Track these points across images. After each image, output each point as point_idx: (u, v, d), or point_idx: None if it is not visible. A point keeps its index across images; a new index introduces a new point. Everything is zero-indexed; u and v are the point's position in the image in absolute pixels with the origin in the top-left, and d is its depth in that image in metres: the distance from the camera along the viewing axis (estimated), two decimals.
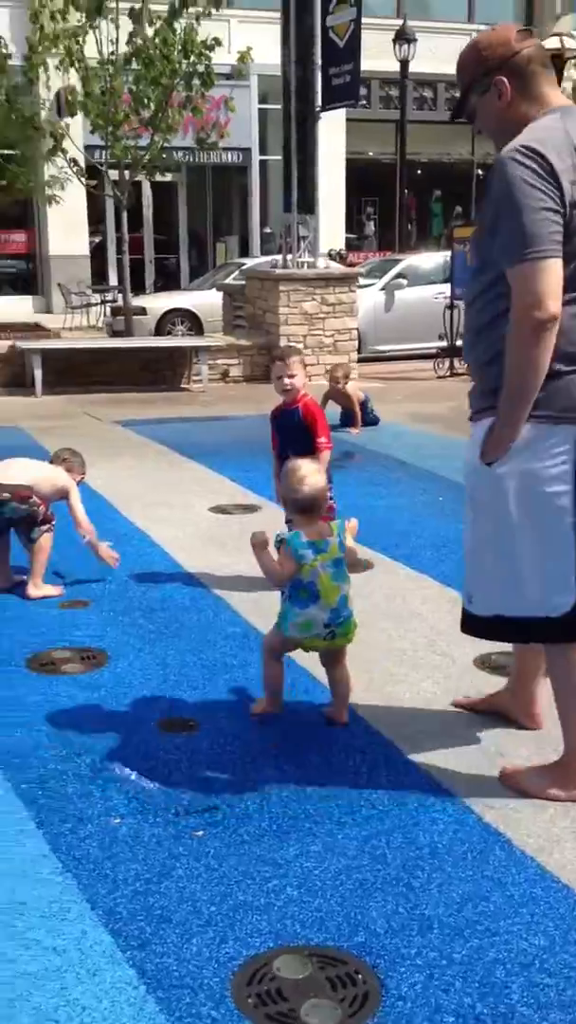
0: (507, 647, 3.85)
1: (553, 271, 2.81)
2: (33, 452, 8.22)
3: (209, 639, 4.36)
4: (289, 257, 13.10)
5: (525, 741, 3.49)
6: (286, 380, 4.83)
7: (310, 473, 3.59)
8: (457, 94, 3.12)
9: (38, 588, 4.80)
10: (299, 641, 3.56)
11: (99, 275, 23.12)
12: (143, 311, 17.29)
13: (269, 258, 16.77)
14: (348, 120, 22.97)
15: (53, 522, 4.85)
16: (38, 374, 11.24)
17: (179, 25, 12.58)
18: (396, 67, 21.77)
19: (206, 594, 4.93)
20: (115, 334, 15.24)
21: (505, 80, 3.00)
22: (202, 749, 3.44)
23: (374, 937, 2.53)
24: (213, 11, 12.95)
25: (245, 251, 24.92)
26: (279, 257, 13.76)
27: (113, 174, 13.38)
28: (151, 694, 3.85)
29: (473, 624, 3.26)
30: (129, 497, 6.74)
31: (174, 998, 2.32)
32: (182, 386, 12.39)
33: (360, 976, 2.40)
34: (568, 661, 3.10)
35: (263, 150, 24.97)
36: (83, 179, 13.61)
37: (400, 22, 22.14)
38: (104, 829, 2.97)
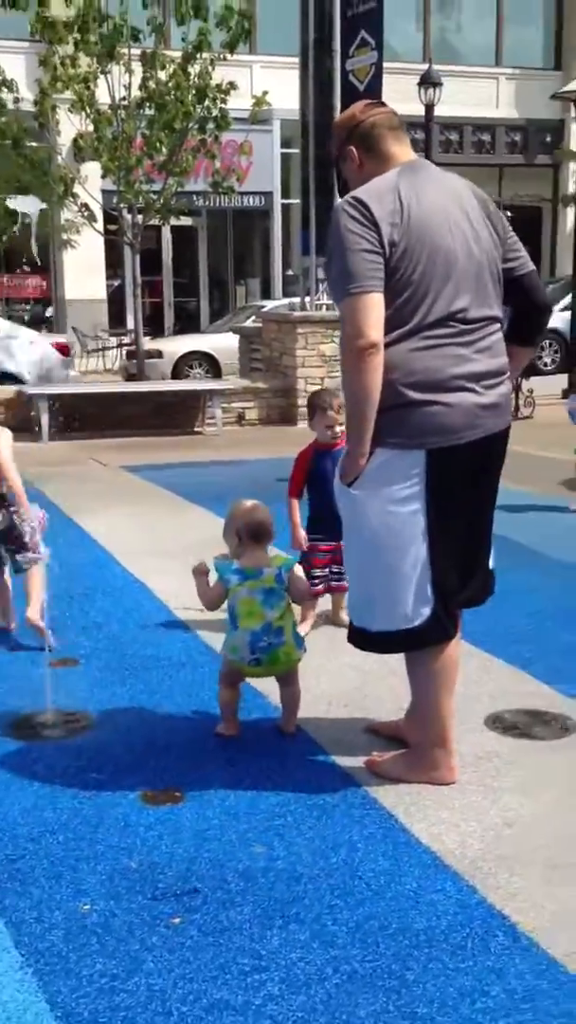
0: (519, 705, 3.91)
1: (372, 304, 3.10)
2: (32, 497, 8.11)
3: (204, 698, 4.12)
4: (307, 299, 12.98)
5: (541, 811, 3.24)
6: (337, 429, 4.67)
7: (260, 504, 3.80)
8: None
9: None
10: (233, 664, 3.72)
11: (117, 319, 23.16)
12: (160, 354, 17.26)
13: (287, 301, 16.69)
14: (440, 164, 22.95)
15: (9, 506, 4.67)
16: (45, 419, 11.09)
17: (193, 70, 12.56)
18: (422, 111, 21.79)
19: (204, 650, 4.69)
20: (130, 377, 15.16)
21: (353, 148, 3.37)
22: (186, 824, 3.20)
23: None
24: (228, 56, 12.94)
25: (267, 294, 24.93)
26: (296, 300, 13.64)
27: (127, 218, 13.36)
28: (136, 762, 3.62)
29: (351, 635, 3.52)
30: (128, 546, 6.53)
31: None
32: (196, 430, 12.23)
33: None
34: (425, 668, 3.37)
35: (285, 194, 25.01)
36: (94, 224, 13.56)
37: (426, 66, 22.16)
38: (72, 916, 2.73)
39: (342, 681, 4.29)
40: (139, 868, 2.96)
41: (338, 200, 3.27)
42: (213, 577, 3.79)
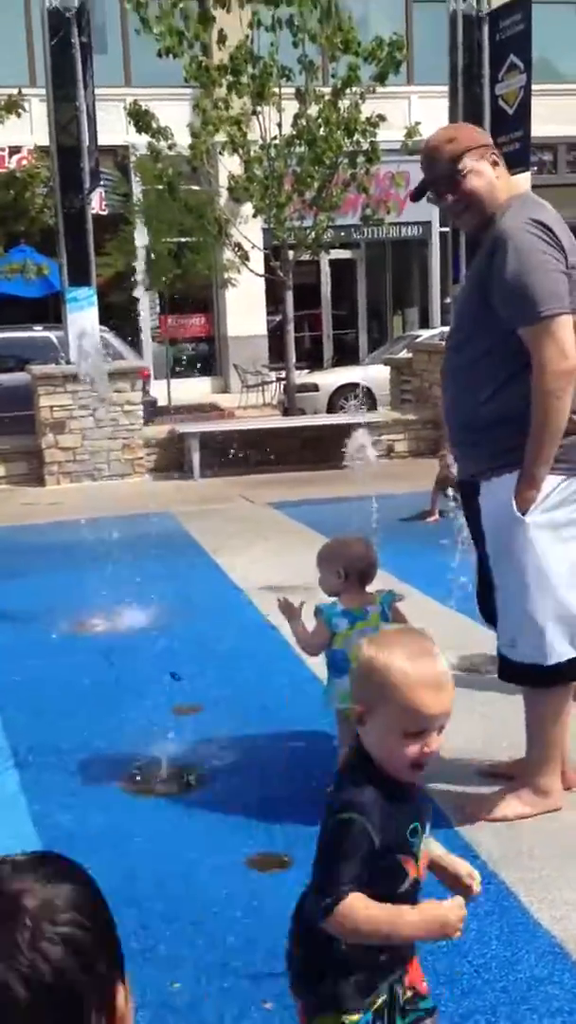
0: None
1: (570, 326, 3.15)
2: (178, 537, 8.16)
3: (322, 753, 3.95)
4: None
5: None
6: None
7: (369, 543, 3.71)
8: None
9: None
10: (343, 713, 3.50)
11: (277, 354, 23.34)
12: (316, 387, 17.28)
13: (439, 330, 16.43)
14: (533, 187, 22.53)
15: None
16: (195, 457, 11.19)
17: (342, 104, 12.57)
18: None
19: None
20: (286, 411, 15.21)
21: (497, 159, 3.34)
22: (290, 894, 3.01)
23: None
24: (379, 88, 12.90)
25: (425, 323, 24.73)
26: (448, 329, 13.40)
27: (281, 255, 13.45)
28: (246, 821, 3.49)
29: (511, 671, 3.41)
30: (263, 586, 6.42)
31: None
32: (344, 464, 12.09)
33: None
34: (553, 706, 3.35)
35: (444, 222, 24.72)
36: (247, 264, 13.70)
37: None
38: (160, 995, 2.60)
39: (470, 733, 4.05)
40: (236, 943, 2.81)
41: (509, 222, 3.19)
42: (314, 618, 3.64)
